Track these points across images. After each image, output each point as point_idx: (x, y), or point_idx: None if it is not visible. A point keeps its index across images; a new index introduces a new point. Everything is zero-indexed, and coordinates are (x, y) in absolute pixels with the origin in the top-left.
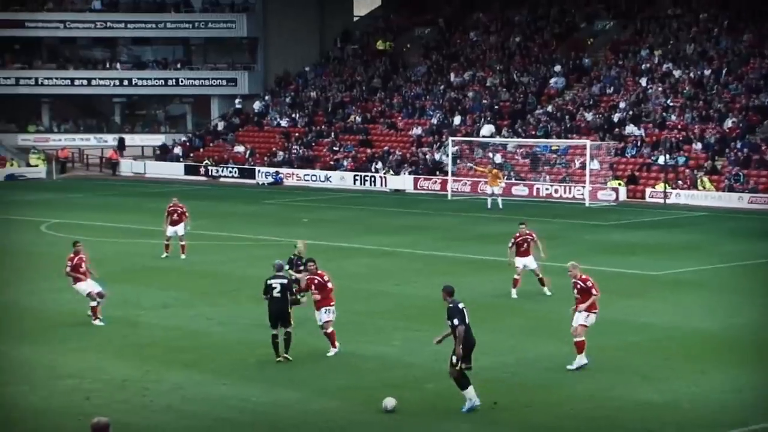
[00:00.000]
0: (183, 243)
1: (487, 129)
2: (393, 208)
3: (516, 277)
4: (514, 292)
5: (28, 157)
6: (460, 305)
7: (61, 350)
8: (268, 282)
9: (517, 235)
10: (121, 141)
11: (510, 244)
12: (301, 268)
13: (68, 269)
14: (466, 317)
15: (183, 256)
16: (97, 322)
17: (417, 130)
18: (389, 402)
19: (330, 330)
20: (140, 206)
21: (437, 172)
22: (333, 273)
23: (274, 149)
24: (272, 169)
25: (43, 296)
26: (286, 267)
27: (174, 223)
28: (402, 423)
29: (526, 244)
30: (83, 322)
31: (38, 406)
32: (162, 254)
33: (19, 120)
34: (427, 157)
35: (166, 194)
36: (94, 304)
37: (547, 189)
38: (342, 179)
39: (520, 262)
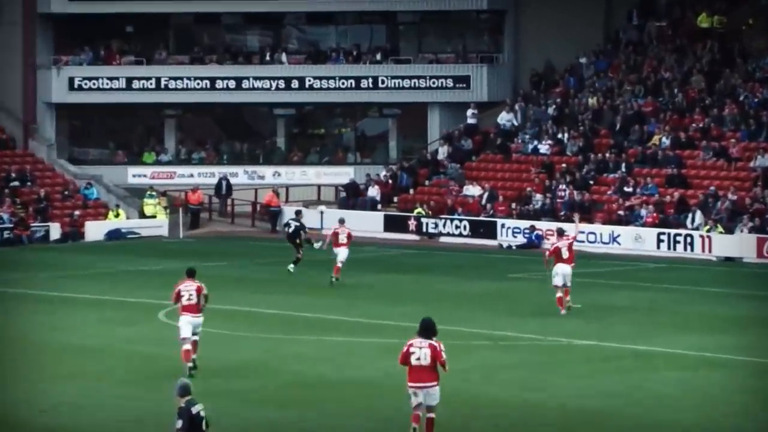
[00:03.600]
0: None
1: None
2: (720, 288)
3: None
4: None
5: (141, 202)
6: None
7: None
8: None
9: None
10: (224, 183)
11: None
12: None
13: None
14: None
15: None
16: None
17: (763, 160)
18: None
19: None
20: (313, 283)
21: None
22: (624, 391)
23: (528, 190)
24: (524, 223)
25: None
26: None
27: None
28: None
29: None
30: None
31: None
32: None
33: (130, 145)
34: None
35: (362, 263)
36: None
37: None
38: (638, 240)
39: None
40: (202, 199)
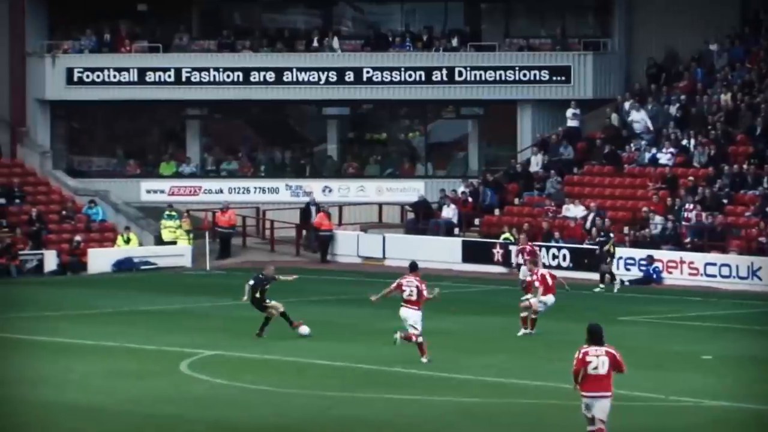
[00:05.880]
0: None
1: None
2: None
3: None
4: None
5: (159, 225)
6: None
7: None
8: None
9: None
10: (314, 208)
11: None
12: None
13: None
14: None
15: None
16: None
17: None
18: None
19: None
20: (374, 333)
21: None
22: None
23: (644, 210)
24: (640, 252)
25: None
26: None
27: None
28: None
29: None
30: None
31: None
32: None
33: (144, 153)
34: None
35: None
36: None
37: None
38: None
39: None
40: (234, 220)
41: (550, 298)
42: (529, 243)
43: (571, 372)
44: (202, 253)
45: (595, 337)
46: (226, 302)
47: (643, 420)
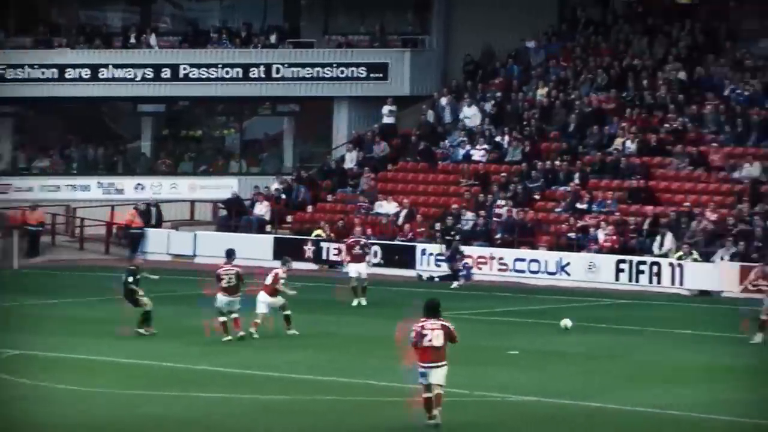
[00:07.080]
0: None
1: None
2: (693, 330)
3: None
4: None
5: None
6: None
7: None
8: None
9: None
10: (154, 210)
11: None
12: None
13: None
14: None
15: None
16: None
17: (751, 169)
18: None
19: None
20: (179, 328)
21: None
22: None
23: (453, 207)
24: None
25: None
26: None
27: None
28: None
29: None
30: None
31: None
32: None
33: None
34: None
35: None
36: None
37: None
38: (592, 269)
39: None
40: (43, 218)
41: (265, 297)
42: (363, 236)
43: (410, 344)
44: (9, 251)
45: (430, 311)
46: (32, 301)
47: (449, 416)
